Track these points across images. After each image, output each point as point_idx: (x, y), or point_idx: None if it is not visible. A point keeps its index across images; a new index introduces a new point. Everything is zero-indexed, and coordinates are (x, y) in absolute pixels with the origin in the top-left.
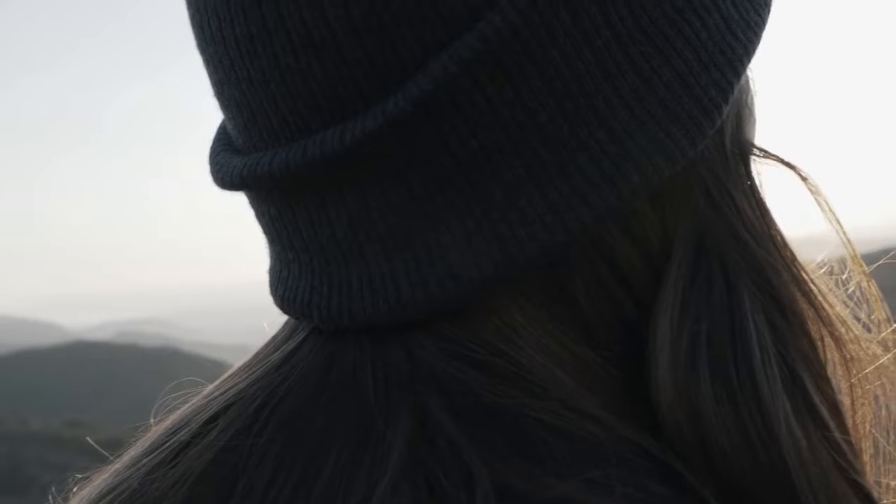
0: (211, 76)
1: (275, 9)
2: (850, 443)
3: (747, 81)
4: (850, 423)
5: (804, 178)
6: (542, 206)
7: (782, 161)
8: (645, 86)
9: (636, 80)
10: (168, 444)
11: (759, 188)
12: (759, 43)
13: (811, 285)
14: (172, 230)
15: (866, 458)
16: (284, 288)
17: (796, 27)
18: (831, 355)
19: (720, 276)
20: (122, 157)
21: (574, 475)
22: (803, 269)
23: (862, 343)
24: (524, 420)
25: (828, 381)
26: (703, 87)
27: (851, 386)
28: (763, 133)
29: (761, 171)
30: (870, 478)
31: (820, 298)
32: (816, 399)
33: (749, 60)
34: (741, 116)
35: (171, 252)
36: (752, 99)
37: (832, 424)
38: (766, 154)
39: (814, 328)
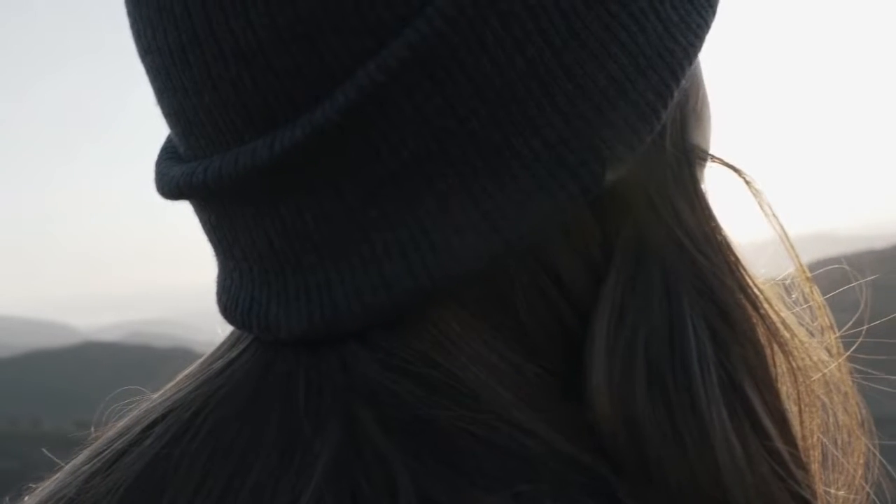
0: (151, 84)
1: (204, 18)
2: (794, 452)
3: (695, 84)
4: (797, 431)
5: (748, 182)
6: (476, 215)
7: (727, 165)
8: (579, 92)
9: (570, 87)
10: (106, 451)
11: (704, 193)
12: (701, 46)
13: (756, 291)
14: (184, 230)
15: (816, 466)
16: (227, 297)
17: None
18: (779, 362)
19: (660, 283)
20: (134, 158)
21: (503, 489)
22: (749, 274)
23: (809, 350)
24: (456, 433)
25: (773, 389)
26: (641, 92)
27: (799, 394)
28: (719, 135)
29: (715, 175)
30: (818, 487)
31: (766, 305)
32: (758, 408)
33: (690, 64)
34: (686, 120)
35: (182, 252)
36: (700, 101)
37: (774, 433)
38: (712, 158)
39: (759, 335)
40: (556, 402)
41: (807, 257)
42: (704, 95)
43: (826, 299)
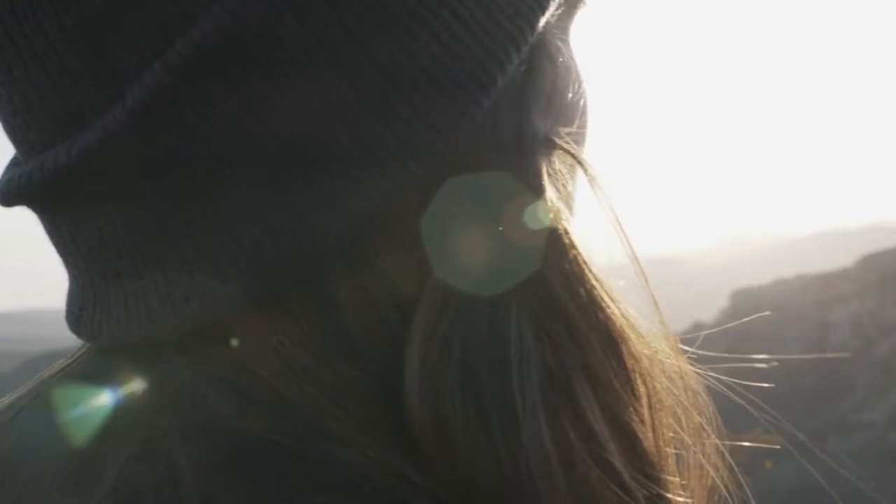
0: None
1: (1, 24)
2: (638, 460)
3: (543, 69)
4: (647, 438)
5: (592, 179)
6: (286, 215)
7: (571, 154)
8: (388, 85)
9: (378, 80)
10: None
11: (545, 182)
12: (532, 30)
13: (600, 289)
14: None
15: (670, 470)
16: (68, 303)
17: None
18: (627, 365)
19: None
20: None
21: (299, 501)
22: (591, 270)
23: (656, 351)
24: (263, 443)
25: (613, 392)
26: (456, 81)
27: (648, 395)
28: (577, 122)
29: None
30: (672, 492)
31: (609, 303)
32: (589, 412)
33: (518, 49)
34: (527, 107)
35: None
36: (553, 87)
37: (609, 440)
38: (555, 146)
39: (600, 335)
40: (378, 406)
41: (862, 249)
42: (561, 80)
43: (881, 290)
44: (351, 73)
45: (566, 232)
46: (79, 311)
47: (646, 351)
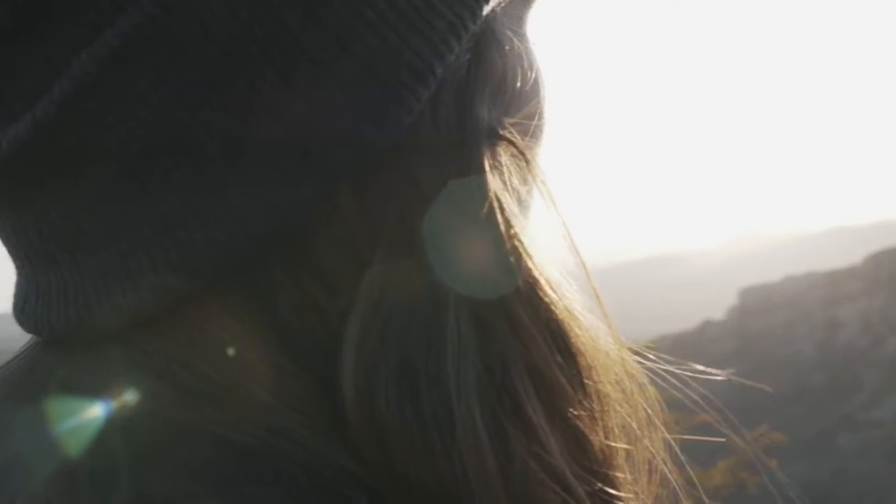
0: None
1: None
2: (583, 456)
3: (487, 59)
4: (595, 432)
5: (532, 171)
6: (218, 208)
7: (515, 146)
8: (321, 75)
9: (311, 70)
10: None
11: (489, 176)
12: (473, 19)
13: (546, 285)
14: None
15: (619, 466)
16: (15, 294)
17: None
18: (574, 360)
19: (424, 272)
20: None
21: (231, 491)
22: (536, 265)
23: (603, 346)
24: (200, 435)
25: (560, 388)
26: (393, 71)
27: (596, 391)
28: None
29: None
30: (622, 488)
31: (555, 300)
32: (531, 409)
33: (458, 39)
34: (467, 97)
35: None
36: (501, 76)
37: (548, 434)
38: (500, 138)
39: (546, 331)
40: (317, 400)
41: (871, 246)
42: (512, 71)
43: (891, 287)
44: (282, 64)
45: (507, 223)
46: (23, 304)
47: (592, 345)
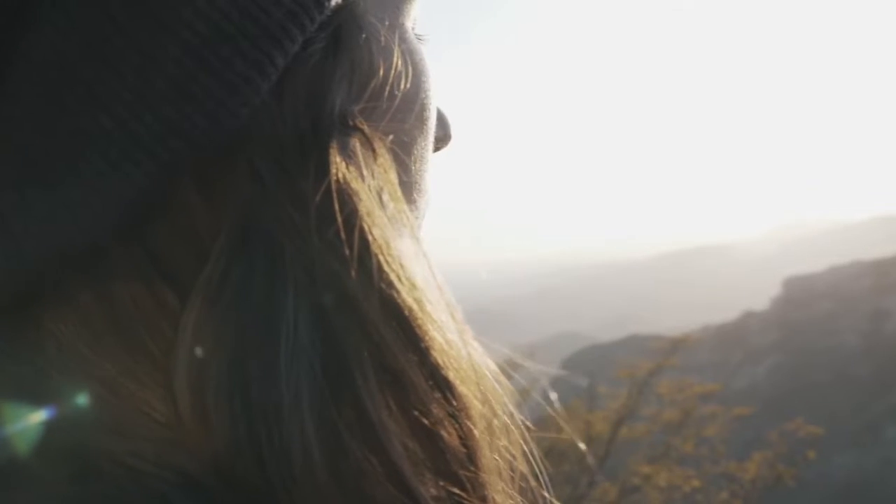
0: None
1: None
2: (437, 456)
3: (352, 50)
4: (451, 432)
5: (382, 167)
6: (53, 204)
7: (366, 138)
8: (150, 65)
9: (138, 60)
10: None
11: (342, 169)
12: (318, 7)
13: (403, 288)
14: None
15: (485, 474)
16: None
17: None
18: (428, 358)
19: (264, 270)
20: None
21: (51, 492)
22: (395, 267)
23: (458, 347)
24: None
25: (413, 390)
26: (225, 60)
27: (455, 393)
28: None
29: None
30: (478, 487)
31: (414, 305)
32: (372, 408)
33: (299, 26)
34: (320, 90)
35: None
36: (351, 69)
37: (390, 435)
38: (354, 131)
39: (400, 332)
40: (157, 397)
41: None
42: (376, 62)
43: None
44: (109, 56)
45: (357, 218)
46: None
47: (448, 345)
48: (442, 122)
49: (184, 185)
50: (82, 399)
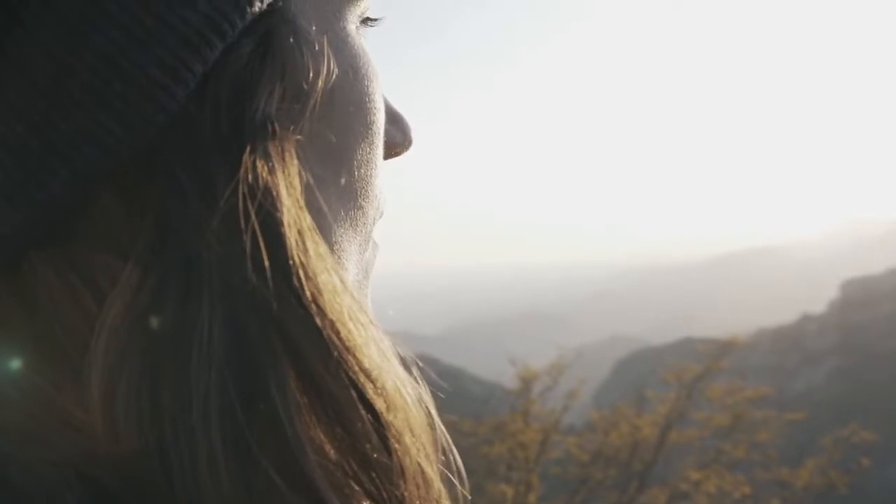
0: None
1: None
2: (363, 468)
3: (282, 54)
4: (373, 442)
5: (287, 172)
6: None
7: (289, 144)
8: (62, 72)
9: (52, 68)
10: None
11: (262, 174)
12: (238, 12)
13: (329, 299)
14: None
15: (407, 477)
16: None
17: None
18: (356, 371)
19: (179, 276)
20: None
21: None
22: (312, 272)
23: (383, 359)
24: None
25: (335, 402)
26: (141, 66)
27: (380, 405)
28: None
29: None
30: (404, 499)
31: (338, 317)
32: (286, 420)
33: (218, 32)
34: (245, 95)
35: None
36: (281, 73)
37: (305, 449)
38: (272, 135)
39: (322, 343)
40: (77, 406)
41: None
42: (310, 66)
43: None
44: (20, 62)
45: (272, 219)
46: None
47: (372, 355)
48: (400, 126)
49: (104, 192)
50: None
